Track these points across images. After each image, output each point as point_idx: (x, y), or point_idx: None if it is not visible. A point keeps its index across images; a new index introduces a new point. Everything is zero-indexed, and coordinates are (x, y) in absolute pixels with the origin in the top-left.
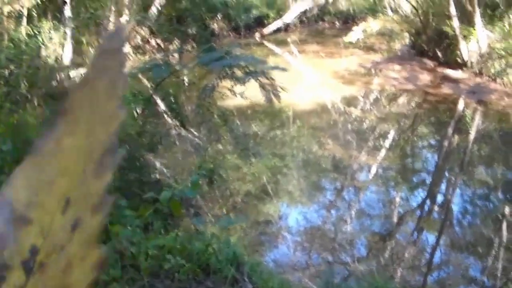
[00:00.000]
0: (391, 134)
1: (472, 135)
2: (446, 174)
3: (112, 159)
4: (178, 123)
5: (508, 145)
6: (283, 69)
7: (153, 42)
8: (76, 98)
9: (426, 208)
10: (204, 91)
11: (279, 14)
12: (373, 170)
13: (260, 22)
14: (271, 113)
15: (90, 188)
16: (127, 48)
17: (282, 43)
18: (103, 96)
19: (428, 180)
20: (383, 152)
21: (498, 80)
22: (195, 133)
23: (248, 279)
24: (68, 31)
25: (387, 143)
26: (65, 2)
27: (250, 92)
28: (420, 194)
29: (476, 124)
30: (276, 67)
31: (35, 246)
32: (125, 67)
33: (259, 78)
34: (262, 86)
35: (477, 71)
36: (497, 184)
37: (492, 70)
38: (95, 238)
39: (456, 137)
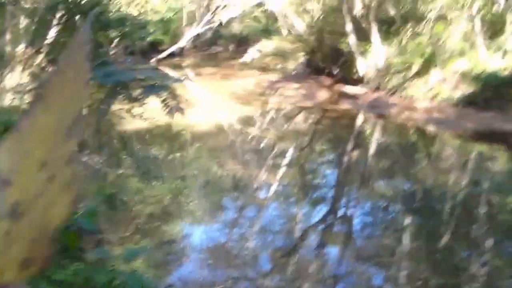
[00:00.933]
0: (291, 152)
1: (372, 149)
2: (347, 188)
3: (79, 127)
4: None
5: (408, 157)
6: (186, 80)
7: (50, 69)
8: (49, 85)
9: (328, 222)
10: (99, 112)
11: (174, 40)
12: (274, 188)
13: (155, 47)
14: (170, 136)
15: (63, 150)
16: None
17: (177, 67)
18: (72, 80)
19: (329, 195)
20: (283, 170)
21: (397, 94)
22: (94, 158)
23: None
24: None
25: (286, 161)
26: None
27: (150, 113)
28: (322, 209)
29: (376, 138)
30: (178, 80)
31: (17, 200)
32: (90, 59)
33: (159, 92)
34: (164, 101)
35: (375, 87)
36: (396, 195)
37: (390, 85)
38: (70, 185)
39: (357, 152)
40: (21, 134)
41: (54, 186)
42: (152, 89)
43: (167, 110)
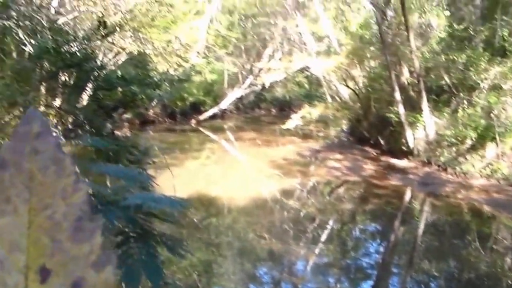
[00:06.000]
0: (332, 228)
1: (422, 230)
2: (390, 270)
3: (92, 224)
4: None
5: (462, 241)
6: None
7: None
8: None
9: None
10: None
11: (215, 101)
12: (311, 263)
13: (197, 108)
14: (206, 206)
15: (76, 252)
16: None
17: (218, 129)
18: (47, 175)
19: (371, 276)
20: (323, 246)
21: (450, 169)
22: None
23: None
24: None
25: (326, 237)
26: None
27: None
28: None
29: (427, 218)
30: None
31: None
32: (61, 148)
33: None
34: None
35: (425, 160)
36: (444, 279)
37: (442, 159)
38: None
39: (405, 233)
40: None
41: None
42: None
43: None
